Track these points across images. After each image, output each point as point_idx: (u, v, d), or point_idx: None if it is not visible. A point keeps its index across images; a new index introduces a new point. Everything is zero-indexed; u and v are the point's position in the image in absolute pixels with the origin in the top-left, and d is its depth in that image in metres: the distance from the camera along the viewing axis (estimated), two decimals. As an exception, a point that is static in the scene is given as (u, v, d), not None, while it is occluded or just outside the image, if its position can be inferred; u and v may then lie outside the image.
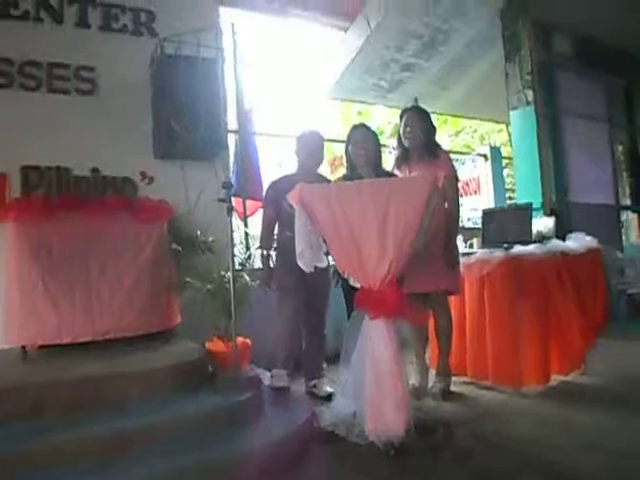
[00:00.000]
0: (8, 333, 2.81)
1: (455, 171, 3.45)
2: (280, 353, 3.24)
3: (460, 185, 3.77)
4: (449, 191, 3.31)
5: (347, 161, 3.34)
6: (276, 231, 3.39)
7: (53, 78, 3.69)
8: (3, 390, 2.24)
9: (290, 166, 3.65)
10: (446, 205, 3.31)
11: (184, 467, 2.02)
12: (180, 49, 3.55)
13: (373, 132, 3.32)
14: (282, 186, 3.20)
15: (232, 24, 4.55)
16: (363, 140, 3.25)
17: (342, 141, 3.46)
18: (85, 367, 2.50)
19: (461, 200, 3.55)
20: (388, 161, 3.71)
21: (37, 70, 3.65)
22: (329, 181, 3.54)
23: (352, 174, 3.28)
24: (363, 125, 3.40)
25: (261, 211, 3.59)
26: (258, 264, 3.55)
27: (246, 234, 4.60)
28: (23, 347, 2.82)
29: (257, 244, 3.45)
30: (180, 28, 3.62)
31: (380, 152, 3.35)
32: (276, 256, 3.34)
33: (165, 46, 3.62)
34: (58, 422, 2.15)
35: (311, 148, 3.42)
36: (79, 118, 3.70)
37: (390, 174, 3.35)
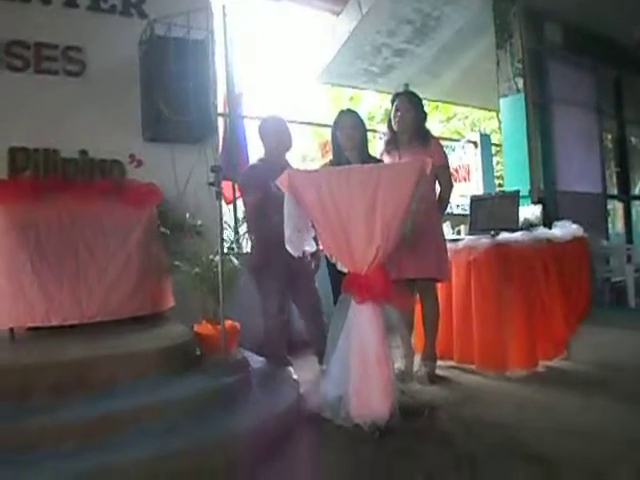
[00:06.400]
0: (-4, 315, 2.80)
1: (447, 159, 3.48)
2: (270, 345, 3.26)
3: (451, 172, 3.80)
4: (442, 180, 3.35)
5: (333, 146, 3.36)
6: None
7: (41, 59, 3.63)
8: (-9, 371, 2.24)
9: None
10: (438, 191, 3.35)
11: (171, 450, 2.02)
12: (170, 31, 3.51)
13: (360, 118, 3.34)
14: (262, 172, 3.17)
15: (223, 6, 4.51)
16: (350, 126, 3.26)
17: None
18: (73, 349, 2.49)
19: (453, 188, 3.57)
20: (377, 146, 3.72)
21: (24, 50, 3.58)
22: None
23: (339, 159, 3.30)
24: (350, 110, 3.42)
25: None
26: (246, 248, 3.54)
27: (235, 217, 4.59)
28: (11, 329, 2.81)
29: (245, 229, 3.42)
30: (170, 9, 3.57)
31: (367, 138, 3.37)
32: (260, 240, 3.27)
33: (155, 27, 3.57)
34: (45, 404, 2.15)
35: (279, 134, 3.37)
36: (67, 99, 3.65)
37: (376, 160, 3.36)
